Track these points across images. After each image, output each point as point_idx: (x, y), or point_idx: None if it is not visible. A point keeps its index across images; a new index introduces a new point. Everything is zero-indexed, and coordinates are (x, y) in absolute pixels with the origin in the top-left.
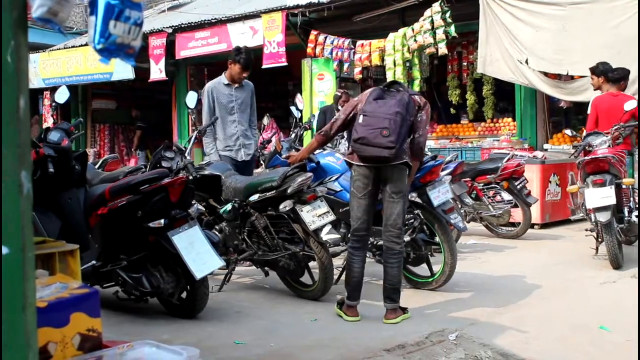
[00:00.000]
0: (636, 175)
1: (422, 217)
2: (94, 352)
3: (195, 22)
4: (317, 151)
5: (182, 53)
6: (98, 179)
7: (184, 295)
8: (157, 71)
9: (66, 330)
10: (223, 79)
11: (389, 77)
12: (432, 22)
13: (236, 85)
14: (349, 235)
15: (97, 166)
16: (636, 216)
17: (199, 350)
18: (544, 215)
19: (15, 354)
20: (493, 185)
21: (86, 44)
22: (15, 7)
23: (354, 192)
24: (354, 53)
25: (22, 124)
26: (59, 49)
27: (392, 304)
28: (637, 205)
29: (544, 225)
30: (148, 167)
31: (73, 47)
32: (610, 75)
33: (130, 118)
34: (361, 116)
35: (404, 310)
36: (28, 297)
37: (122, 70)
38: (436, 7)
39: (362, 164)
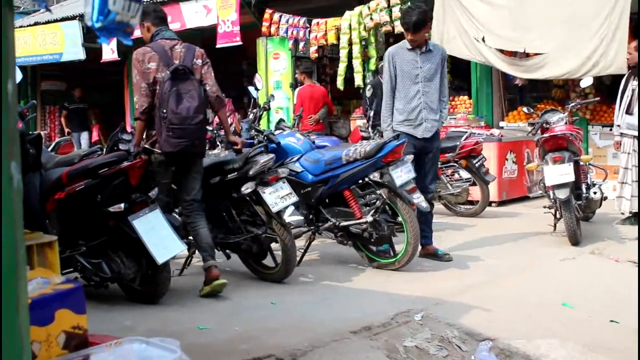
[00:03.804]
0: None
1: (385, 197)
2: (80, 350)
3: (148, 0)
4: (277, 131)
5: (135, 32)
6: (53, 163)
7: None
8: (110, 51)
9: (51, 329)
10: (406, 43)
11: (343, 56)
12: (388, 0)
13: (422, 50)
14: (186, 206)
15: (49, 149)
16: (594, 193)
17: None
18: (502, 193)
19: (12, 358)
20: (451, 164)
21: (35, 24)
22: None
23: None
24: (310, 32)
25: (10, 111)
26: None
27: (214, 260)
28: (593, 182)
29: (501, 203)
30: (105, 150)
31: (21, 27)
32: (308, 71)
33: (73, 99)
34: None
35: None
36: (21, 298)
37: (72, 50)
38: None
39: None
